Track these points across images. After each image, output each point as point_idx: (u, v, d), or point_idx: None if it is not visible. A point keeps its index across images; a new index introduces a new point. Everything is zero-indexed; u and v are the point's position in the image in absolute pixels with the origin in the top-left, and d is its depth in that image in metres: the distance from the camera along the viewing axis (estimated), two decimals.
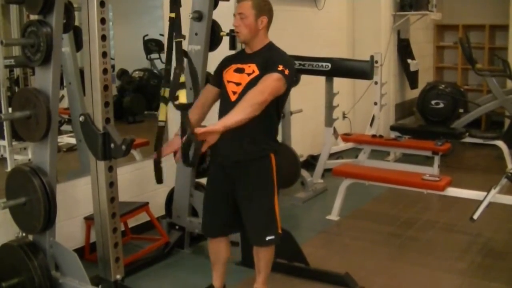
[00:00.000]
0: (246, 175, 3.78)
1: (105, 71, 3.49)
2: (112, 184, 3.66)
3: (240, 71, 3.72)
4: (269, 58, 3.68)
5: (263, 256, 3.95)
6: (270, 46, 3.81)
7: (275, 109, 3.73)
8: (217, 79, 3.85)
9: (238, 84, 3.69)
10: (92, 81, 3.52)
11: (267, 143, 3.77)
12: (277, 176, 3.82)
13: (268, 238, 3.83)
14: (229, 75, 3.76)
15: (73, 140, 5.25)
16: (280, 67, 3.57)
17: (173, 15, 3.53)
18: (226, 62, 3.86)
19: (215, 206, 3.91)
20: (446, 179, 5.44)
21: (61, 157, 5.15)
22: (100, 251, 3.80)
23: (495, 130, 9.24)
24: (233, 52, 4.32)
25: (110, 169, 3.63)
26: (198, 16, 4.60)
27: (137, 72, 6.56)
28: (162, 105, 3.60)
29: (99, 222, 3.75)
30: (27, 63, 3.73)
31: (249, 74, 3.67)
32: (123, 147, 3.42)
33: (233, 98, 3.68)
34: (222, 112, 3.66)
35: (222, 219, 3.92)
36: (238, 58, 3.85)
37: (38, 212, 3.64)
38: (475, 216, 5.06)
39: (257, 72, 3.64)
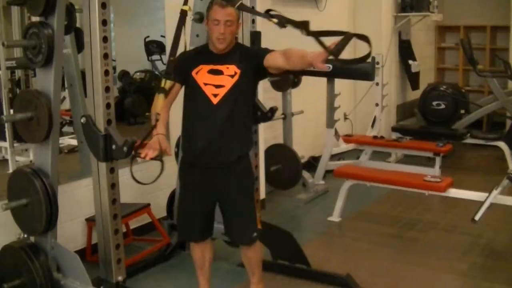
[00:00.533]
0: (231, 176, 3.79)
1: (106, 72, 3.49)
2: (113, 186, 3.66)
3: (217, 72, 3.65)
4: (248, 52, 3.81)
5: (254, 255, 3.98)
6: (239, 45, 3.89)
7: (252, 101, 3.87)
8: (182, 76, 3.67)
9: (219, 86, 3.62)
10: (94, 83, 3.51)
11: (249, 139, 3.92)
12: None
13: (254, 235, 3.88)
14: (204, 77, 3.66)
15: (74, 142, 5.25)
16: (268, 49, 3.74)
17: (186, 8, 3.53)
18: (191, 61, 3.72)
19: (195, 210, 3.85)
20: (447, 180, 5.44)
21: (62, 158, 5.15)
22: (102, 252, 3.79)
23: (497, 131, 9.23)
24: None
25: (112, 170, 3.62)
26: (199, 18, 4.59)
27: (138, 74, 6.57)
28: (160, 96, 3.52)
29: (100, 224, 3.75)
30: (28, 65, 3.74)
31: (232, 76, 3.64)
32: (125, 148, 3.42)
33: (215, 101, 3.61)
34: (198, 115, 3.68)
35: (203, 223, 3.90)
36: (207, 58, 3.71)
37: (39, 214, 3.64)
38: (477, 217, 5.05)
39: (239, 71, 3.65)
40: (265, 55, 3.67)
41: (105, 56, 3.47)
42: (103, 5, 3.42)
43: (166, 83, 3.49)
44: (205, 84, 3.63)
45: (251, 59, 3.70)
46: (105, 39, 3.46)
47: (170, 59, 3.52)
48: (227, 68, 3.65)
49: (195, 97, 3.68)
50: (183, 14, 3.56)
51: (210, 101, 3.62)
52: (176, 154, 5.05)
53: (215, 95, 3.61)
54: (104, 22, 3.44)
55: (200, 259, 4.04)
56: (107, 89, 3.51)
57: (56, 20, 3.55)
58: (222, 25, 3.56)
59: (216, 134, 3.61)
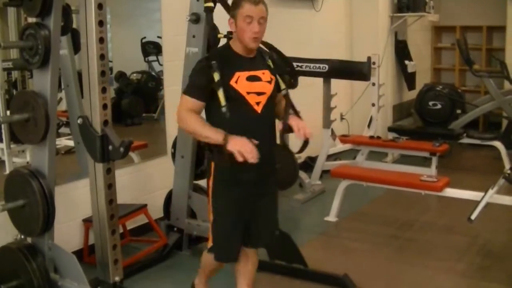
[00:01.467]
0: (271, 183, 3.68)
1: (103, 73, 3.51)
2: (110, 186, 3.67)
3: (256, 79, 3.40)
4: (278, 60, 3.64)
5: (255, 258, 3.80)
6: (260, 46, 3.62)
7: None
8: (208, 91, 3.36)
9: (261, 93, 3.42)
10: (90, 84, 3.53)
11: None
12: None
13: (276, 233, 3.80)
14: (245, 85, 3.37)
15: (71, 143, 5.25)
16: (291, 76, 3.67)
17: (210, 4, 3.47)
18: (223, 70, 3.35)
19: (238, 230, 3.56)
20: (443, 180, 5.45)
21: (59, 159, 5.14)
22: (99, 253, 3.81)
23: (493, 131, 9.25)
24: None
25: (109, 171, 3.63)
26: (195, 18, 4.60)
27: (135, 75, 6.55)
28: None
29: (97, 224, 3.76)
30: (25, 66, 3.74)
31: (269, 82, 3.46)
32: (121, 149, 3.43)
33: (258, 109, 3.39)
34: (242, 127, 3.32)
35: (239, 242, 3.64)
36: (239, 64, 3.41)
37: (36, 215, 3.65)
38: (473, 217, 5.06)
39: (273, 78, 3.50)
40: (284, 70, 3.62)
41: (102, 57, 3.49)
42: (100, 6, 3.44)
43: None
44: (248, 93, 3.37)
45: (280, 68, 3.60)
46: (101, 40, 3.48)
47: None
48: (263, 73, 3.45)
49: (237, 108, 3.36)
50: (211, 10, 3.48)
51: (254, 110, 3.39)
52: (173, 155, 5.06)
53: (258, 103, 3.40)
54: (100, 23, 3.46)
55: (214, 270, 3.89)
56: (103, 90, 3.52)
57: (53, 21, 3.56)
58: (256, 23, 3.33)
59: (265, 144, 3.39)
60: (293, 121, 3.48)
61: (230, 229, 3.53)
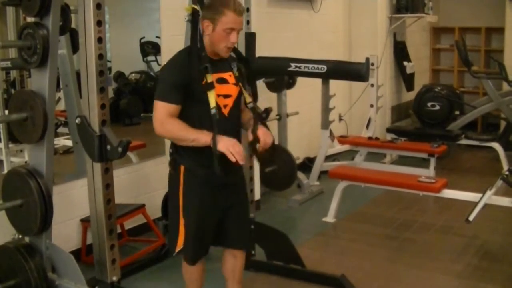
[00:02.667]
0: (240, 186, 3.74)
1: (101, 73, 3.49)
2: (108, 186, 3.65)
3: (223, 81, 3.43)
4: (238, 60, 3.64)
5: (242, 259, 3.81)
6: None
7: None
8: (182, 93, 3.33)
9: (227, 96, 3.43)
10: (89, 83, 3.51)
11: None
12: None
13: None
14: (216, 87, 3.37)
15: (69, 143, 5.25)
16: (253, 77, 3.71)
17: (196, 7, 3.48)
18: (192, 73, 3.32)
19: (207, 231, 3.57)
20: (441, 181, 5.45)
21: (58, 159, 5.16)
22: (97, 253, 3.79)
23: (491, 132, 9.26)
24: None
25: (107, 171, 3.62)
26: None
27: (133, 75, 6.55)
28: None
29: (95, 224, 3.75)
30: (23, 65, 3.73)
31: (235, 84, 3.49)
32: (119, 149, 3.42)
33: (225, 112, 3.42)
34: (209, 129, 3.29)
35: (210, 242, 3.67)
36: (208, 66, 3.34)
37: (34, 214, 3.64)
38: (471, 218, 5.08)
39: (234, 80, 3.52)
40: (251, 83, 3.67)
41: (100, 56, 3.48)
42: (98, 6, 3.43)
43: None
44: (218, 95, 3.36)
45: (244, 68, 3.60)
46: (100, 40, 3.46)
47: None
48: (230, 76, 3.47)
49: (206, 109, 3.32)
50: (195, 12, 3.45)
51: (222, 113, 3.38)
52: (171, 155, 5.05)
53: (225, 106, 3.41)
54: (99, 23, 3.44)
55: (201, 278, 3.78)
56: (102, 90, 3.51)
57: (51, 21, 3.55)
58: (236, 34, 3.35)
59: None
60: (260, 131, 3.47)
61: (201, 232, 3.53)
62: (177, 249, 3.55)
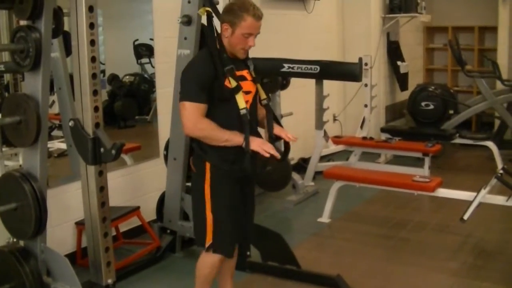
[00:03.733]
0: (252, 183, 3.87)
1: (94, 75, 3.50)
2: (102, 189, 3.66)
3: (243, 78, 3.52)
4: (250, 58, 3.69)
5: (236, 253, 3.91)
6: None
7: None
8: (206, 94, 3.40)
9: (248, 92, 3.53)
10: (82, 86, 3.53)
11: None
12: None
13: None
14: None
15: (64, 146, 5.24)
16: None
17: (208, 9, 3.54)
18: (216, 73, 3.41)
19: (237, 224, 3.65)
20: (436, 180, 5.46)
21: (52, 162, 5.15)
22: (92, 255, 3.80)
23: (486, 131, 9.27)
24: None
25: (100, 173, 3.63)
26: (187, 20, 4.60)
27: (127, 77, 6.54)
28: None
29: (90, 227, 3.76)
30: (17, 69, 3.74)
31: (253, 81, 3.59)
32: (113, 151, 3.43)
33: (247, 107, 3.50)
34: (233, 124, 3.43)
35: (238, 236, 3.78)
36: (229, 64, 3.45)
37: (29, 218, 3.64)
38: (466, 217, 5.08)
39: (251, 77, 3.60)
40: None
41: (93, 59, 3.49)
42: (90, 9, 3.44)
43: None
44: (242, 91, 3.49)
45: (258, 78, 3.68)
46: (92, 43, 3.47)
47: None
48: (247, 73, 3.58)
49: (231, 106, 3.45)
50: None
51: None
52: (165, 157, 5.06)
53: (246, 102, 3.49)
54: (91, 26, 3.45)
55: (215, 274, 3.79)
56: (95, 92, 3.52)
57: (44, 24, 3.56)
58: (254, 38, 3.45)
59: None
60: (278, 131, 3.61)
61: (232, 225, 3.61)
62: (207, 244, 3.59)
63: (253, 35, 3.43)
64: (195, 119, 3.37)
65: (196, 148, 3.54)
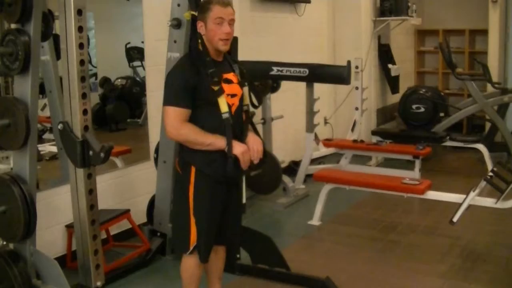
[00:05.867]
0: (239, 186, 3.87)
1: (83, 79, 3.52)
2: (91, 191, 3.68)
3: (229, 81, 3.52)
4: (244, 70, 3.71)
5: (224, 255, 3.97)
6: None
7: None
8: (191, 97, 3.41)
9: (233, 95, 3.53)
10: (70, 89, 3.54)
11: None
12: None
13: None
14: (224, 87, 3.48)
15: (55, 149, 5.24)
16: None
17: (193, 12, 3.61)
18: (199, 77, 3.40)
19: (214, 227, 3.65)
20: (426, 183, 5.48)
21: (44, 165, 5.15)
22: (81, 258, 3.81)
23: (477, 133, 9.32)
24: None
25: (89, 176, 3.64)
26: (176, 24, 4.61)
27: (119, 80, 6.55)
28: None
29: (79, 229, 3.77)
30: (6, 72, 3.75)
31: (239, 84, 3.60)
32: (102, 154, 3.45)
33: (232, 110, 3.50)
34: (218, 129, 3.43)
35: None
36: (213, 67, 3.45)
37: (18, 220, 3.66)
38: (455, 219, 5.11)
39: (237, 80, 3.61)
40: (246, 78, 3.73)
41: (81, 62, 3.50)
42: (79, 12, 3.45)
43: None
44: (227, 94, 3.48)
45: (244, 83, 3.68)
46: (81, 46, 3.49)
47: None
48: (233, 76, 3.59)
49: (216, 109, 3.44)
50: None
51: (229, 112, 3.48)
52: (155, 160, 5.07)
53: (232, 105, 3.51)
54: (80, 29, 3.47)
55: (199, 275, 3.80)
56: (83, 95, 3.53)
57: (33, 27, 3.57)
58: (227, 24, 3.45)
59: None
60: (250, 139, 3.59)
61: (212, 229, 3.63)
62: (191, 247, 3.61)
63: (225, 21, 3.44)
64: (177, 124, 3.39)
65: (181, 151, 3.58)
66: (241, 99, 3.61)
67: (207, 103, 3.43)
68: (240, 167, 3.48)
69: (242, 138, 3.56)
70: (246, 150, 3.47)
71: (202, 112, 3.45)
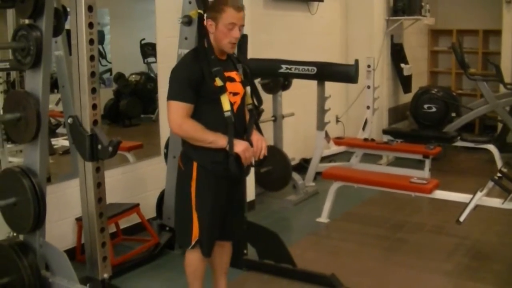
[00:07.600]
0: (243, 183, 3.91)
1: (93, 74, 3.56)
2: (99, 185, 3.72)
3: (231, 80, 3.56)
4: (247, 70, 3.76)
5: (229, 250, 4.02)
6: None
7: None
8: (194, 94, 3.43)
9: (236, 94, 3.56)
10: (80, 84, 3.59)
11: None
12: None
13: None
14: (226, 85, 3.50)
15: (68, 143, 5.30)
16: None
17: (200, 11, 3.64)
18: (203, 74, 3.43)
19: (217, 222, 3.68)
20: (433, 182, 5.50)
21: (57, 159, 5.22)
22: (88, 250, 3.86)
23: (489, 134, 9.30)
24: None
25: (98, 170, 3.69)
26: (187, 21, 4.66)
27: (133, 76, 6.59)
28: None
29: (87, 222, 3.82)
30: (18, 67, 3.81)
31: (242, 82, 3.64)
32: (110, 148, 3.50)
33: (234, 108, 3.53)
34: (221, 126, 3.46)
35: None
36: (218, 66, 3.48)
37: (28, 213, 3.71)
38: (461, 219, 5.12)
39: (240, 78, 3.65)
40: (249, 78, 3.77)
41: (92, 58, 3.55)
42: (90, 8, 3.50)
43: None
44: (230, 92, 3.52)
45: (247, 83, 3.73)
46: (91, 42, 3.54)
47: None
48: (236, 74, 3.63)
49: (219, 107, 3.47)
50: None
51: (232, 110, 3.51)
52: (165, 155, 5.12)
53: (234, 103, 3.54)
54: (90, 25, 3.51)
55: (203, 269, 3.84)
56: (93, 90, 3.58)
57: (45, 23, 3.62)
58: (238, 29, 3.48)
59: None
60: (254, 137, 3.64)
61: (214, 223, 3.65)
62: (194, 241, 3.64)
63: (236, 26, 3.47)
64: (180, 120, 3.42)
65: (184, 147, 3.61)
66: (243, 98, 3.64)
67: (210, 100, 3.45)
68: (242, 165, 3.52)
69: (244, 137, 3.59)
70: (247, 147, 3.50)
71: (204, 109, 3.47)
